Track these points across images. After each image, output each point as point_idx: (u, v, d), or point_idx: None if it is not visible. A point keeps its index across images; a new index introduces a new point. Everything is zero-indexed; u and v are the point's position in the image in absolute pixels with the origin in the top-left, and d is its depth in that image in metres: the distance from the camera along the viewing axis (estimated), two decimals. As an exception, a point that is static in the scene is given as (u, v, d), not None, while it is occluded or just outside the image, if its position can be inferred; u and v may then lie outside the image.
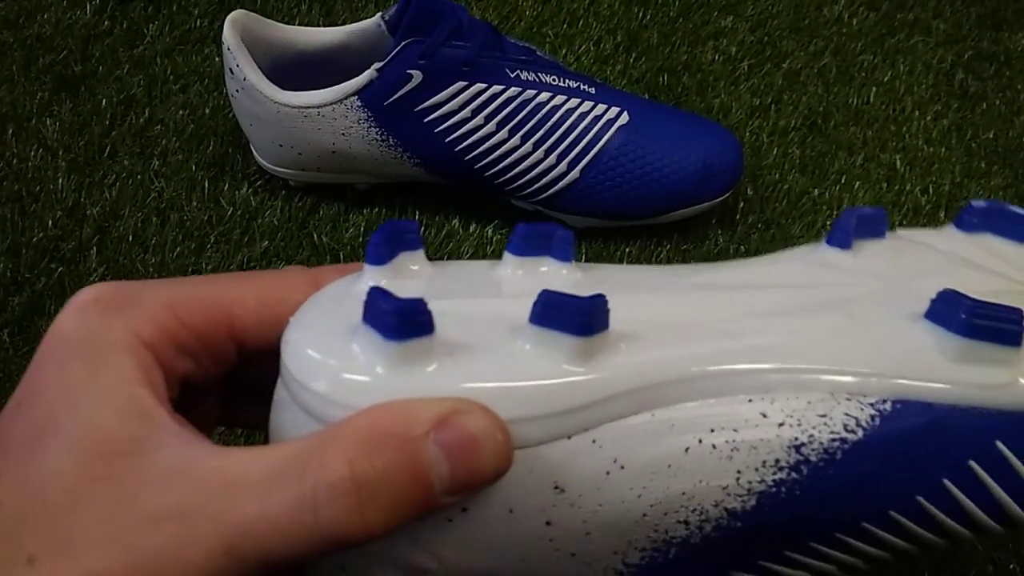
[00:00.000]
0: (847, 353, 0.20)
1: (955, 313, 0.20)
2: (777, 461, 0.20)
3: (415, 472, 0.18)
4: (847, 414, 0.20)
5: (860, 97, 0.60)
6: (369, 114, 0.47)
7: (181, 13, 0.61)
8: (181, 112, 0.55)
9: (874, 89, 0.60)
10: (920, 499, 0.20)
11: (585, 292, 0.19)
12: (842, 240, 0.25)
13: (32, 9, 0.60)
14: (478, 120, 0.47)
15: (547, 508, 0.20)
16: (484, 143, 0.48)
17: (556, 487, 0.19)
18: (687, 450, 0.20)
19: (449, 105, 0.47)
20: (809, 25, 0.64)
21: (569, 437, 0.19)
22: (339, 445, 0.18)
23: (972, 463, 0.20)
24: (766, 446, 0.20)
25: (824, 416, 0.20)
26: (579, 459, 0.19)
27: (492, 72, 0.47)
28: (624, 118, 0.49)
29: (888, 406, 0.20)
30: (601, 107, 0.48)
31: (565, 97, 0.48)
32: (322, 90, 0.47)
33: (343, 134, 0.48)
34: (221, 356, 0.23)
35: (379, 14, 0.49)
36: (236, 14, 0.47)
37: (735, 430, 0.20)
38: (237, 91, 0.48)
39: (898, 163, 0.56)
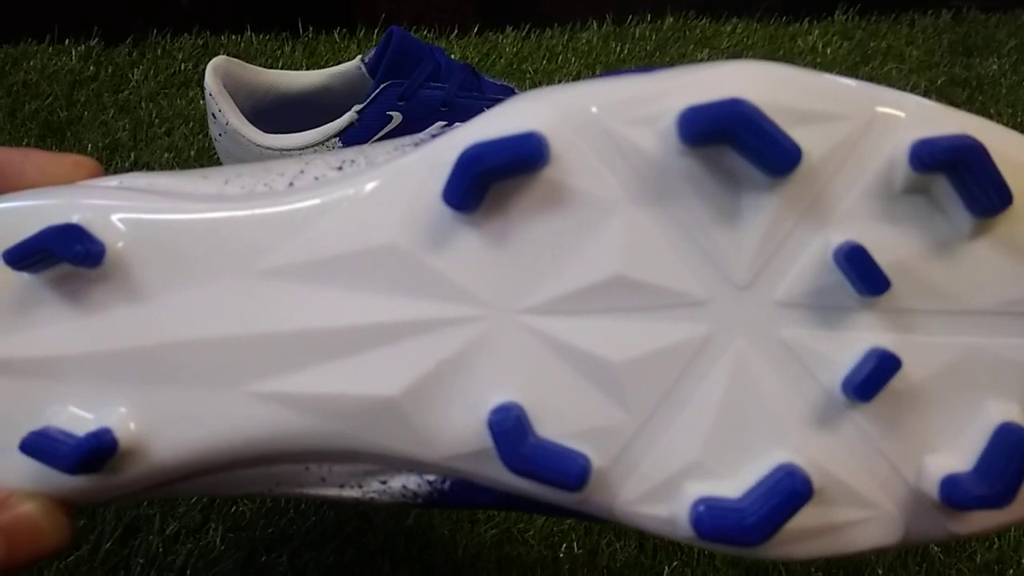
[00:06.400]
0: (405, 436, 0.19)
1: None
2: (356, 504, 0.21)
3: None
4: (405, 486, 0.20)
5: (836, 125, 0.61)
6: (350, 155, 0.48)
7: (165, 57, 0.62)
8: (167, 155, 0.56)
9: (849, 117, 0.61)
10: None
11: None
12: (458, 197, 0.18)
13: (18, 56, 0.61)
14: (458, 159, 0.48)
15: None
16: (464, 181, 0.48)
17: None
18: (269, 491, 0.21)
19: (429, 145, 0.47)
20: (784, 56, 0.65)
21: None
22: None
23: None
24: (338, 499, 0.20)
25: (385, 483, 0.20)
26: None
27: (470, 112, 0.47)
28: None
29: (447, 485, 0.20)
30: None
31: (543, 134, 0.49)
32: (303, 132, 0.48)
33: (325, 175, 0.48)
34: None
35: (359, 57, 0.50)
36: (217, 60, 0.48)
37: (300, 486, 0.20)
38: (220, 135, 0.49)
39: (874, 190, 0.57)
